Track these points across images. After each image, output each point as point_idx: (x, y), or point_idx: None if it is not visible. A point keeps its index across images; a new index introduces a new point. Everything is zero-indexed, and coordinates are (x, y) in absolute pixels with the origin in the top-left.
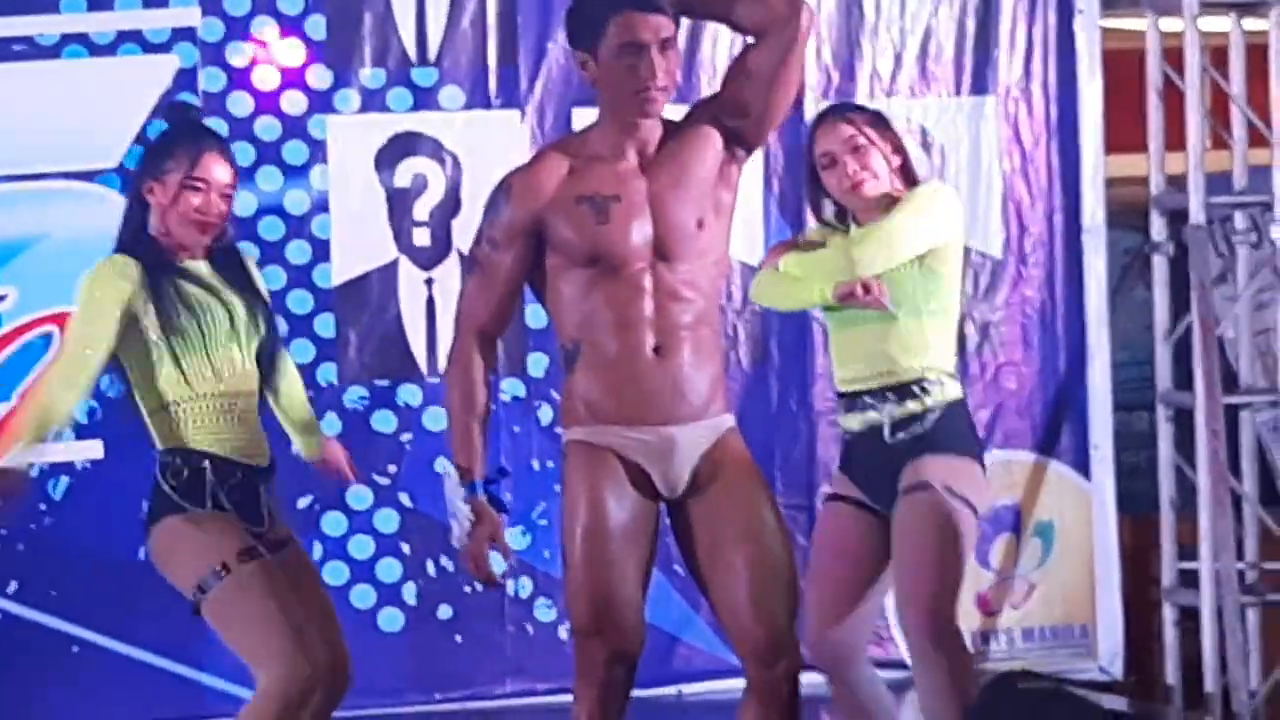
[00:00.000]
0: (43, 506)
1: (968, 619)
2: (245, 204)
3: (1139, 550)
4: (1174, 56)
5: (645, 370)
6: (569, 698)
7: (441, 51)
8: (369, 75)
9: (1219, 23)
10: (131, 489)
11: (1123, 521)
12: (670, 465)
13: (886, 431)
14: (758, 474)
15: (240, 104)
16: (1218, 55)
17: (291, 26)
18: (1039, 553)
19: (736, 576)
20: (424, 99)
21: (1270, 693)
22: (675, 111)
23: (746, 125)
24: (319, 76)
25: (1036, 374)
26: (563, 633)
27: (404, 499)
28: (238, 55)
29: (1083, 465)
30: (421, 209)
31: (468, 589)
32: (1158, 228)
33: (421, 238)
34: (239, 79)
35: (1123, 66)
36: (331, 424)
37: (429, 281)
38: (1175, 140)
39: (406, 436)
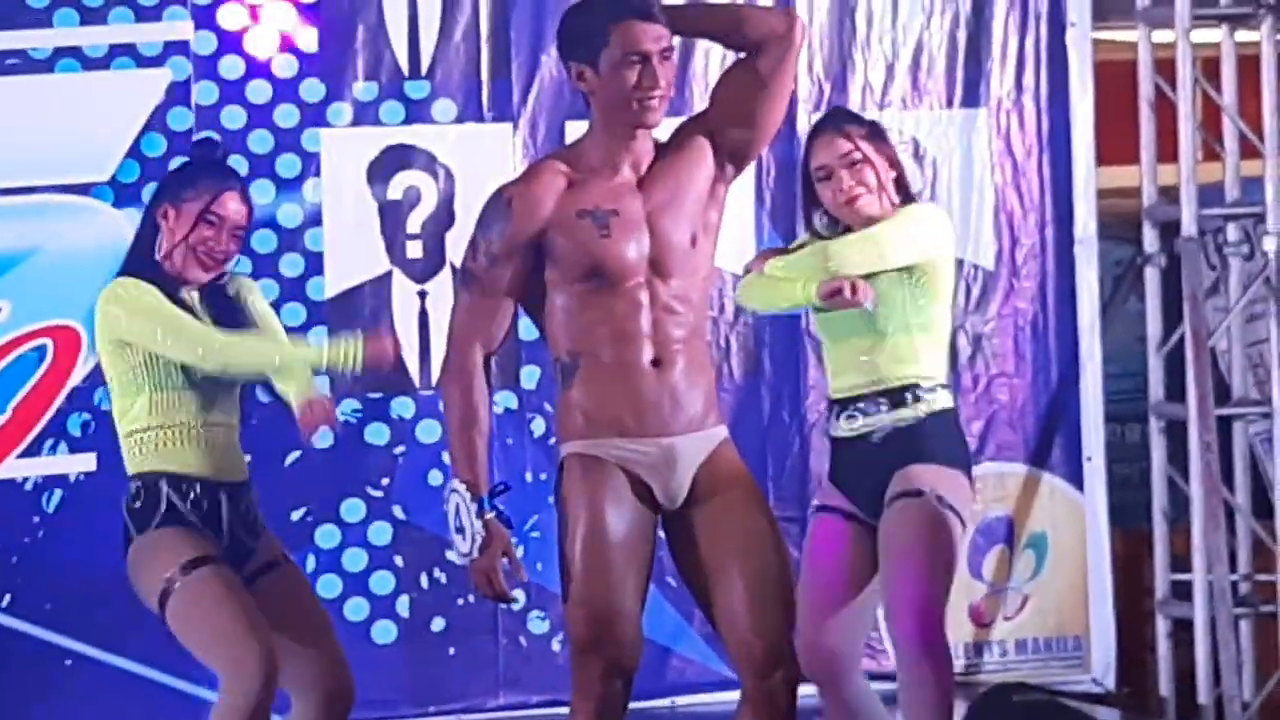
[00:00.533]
0: (36, 519)
1: (960, 631)
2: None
3: (1132, 562)
4: (1166, 68)
5: (644, 383)
6: (563, 710)
7: (434, 64)
8: (362, 88)
9: (1210, 34)
10: None
11: (1115, 533)
12: (671, 476)
13: (878, 436)
14: (754, 485)
15: (233, 117)
16: (1209, 67)
17: (284, 40)
18: (1032, 564)
19: (734, 587)
20: (417, 112)
21: (1264, 704)
22: (664, 127)
23: (739, 140)
24: (312, 90)
25: (1029, 386)
26: (556, 645)
27: (397, 511)
28: (230, 69)
29: (1075, 477)
30: (414, 222)
31: (461, 601)
32: (1150, 239)
33: (414, 250)
34: (232, 92)
35: (1115, 78)
36: (324, 437)
37: (422, 294)
38: (1167, 152)
39: (400, 449)
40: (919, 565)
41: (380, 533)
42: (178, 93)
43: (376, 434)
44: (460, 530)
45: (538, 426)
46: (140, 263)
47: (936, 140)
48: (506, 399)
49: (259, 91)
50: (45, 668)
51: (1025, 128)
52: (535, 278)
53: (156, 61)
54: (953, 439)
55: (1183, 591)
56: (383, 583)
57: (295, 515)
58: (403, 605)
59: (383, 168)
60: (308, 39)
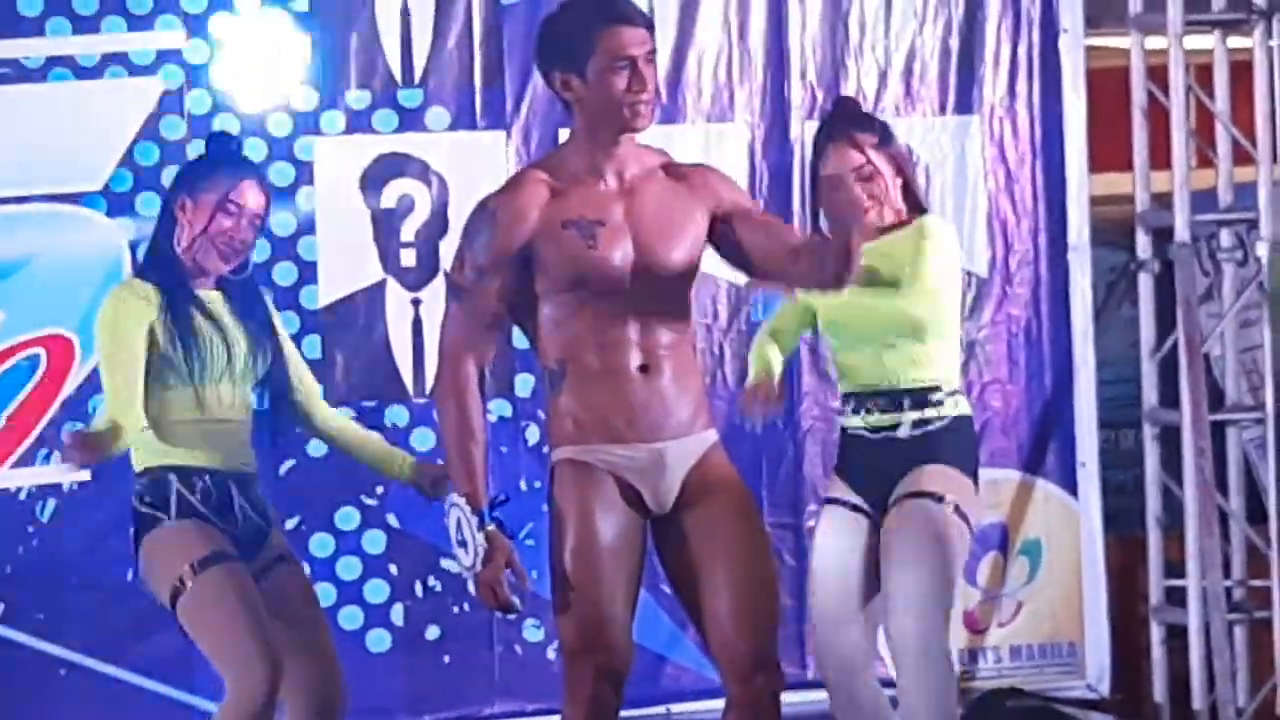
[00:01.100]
0: (30, 529)
1: (955, 637)
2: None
3: (1126, 568)
4: (1158, 75)
5: (633, 389)
6: (557, 718)
7: (427, 73)
8: (355, 96)
9: (1203, 41)
10: (119, 511)
11: (1110, 539)
12: (660, 481)
13: (902, 432)
14: (743, 489)
15: (226, 126)
16: (1202, 73)
17: (277, 48)
18: (1026, 571)
19: (719, 591)
20: (410, 120)
21: (1258, 710)
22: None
23: (727, 247)
24: (305, 98)
25: (1023, 392)
26: (551, 653)
27: (392, 520)
28: (223, 77)
29: (1069, 483)
30: (408, 230)
31: (455, 609)
32: (1143, 245)
33: (408, 259)
34: (224, 101)
35: (1107, 85)
36: (319, 445)
37: (416, 302)
38: (1160, 158)
39: None
40: (931, 568)
41: (374, 541)
42: (170, 101)
43: None
44: (462, 544)
45: (532, 435)
46: (159, 257)
47: (929, 147)
48: (500, 407)
49: (252, 100)
50: (40, 678)
51: (1018, 134)
52: (523, 287)
53: (149, 70)
54: (969, 446)
55: (1177, 597)
56: (377, 591)
57: (289, 524)
58: (397, 614)
59: (376, 176)
60: (301, 47)
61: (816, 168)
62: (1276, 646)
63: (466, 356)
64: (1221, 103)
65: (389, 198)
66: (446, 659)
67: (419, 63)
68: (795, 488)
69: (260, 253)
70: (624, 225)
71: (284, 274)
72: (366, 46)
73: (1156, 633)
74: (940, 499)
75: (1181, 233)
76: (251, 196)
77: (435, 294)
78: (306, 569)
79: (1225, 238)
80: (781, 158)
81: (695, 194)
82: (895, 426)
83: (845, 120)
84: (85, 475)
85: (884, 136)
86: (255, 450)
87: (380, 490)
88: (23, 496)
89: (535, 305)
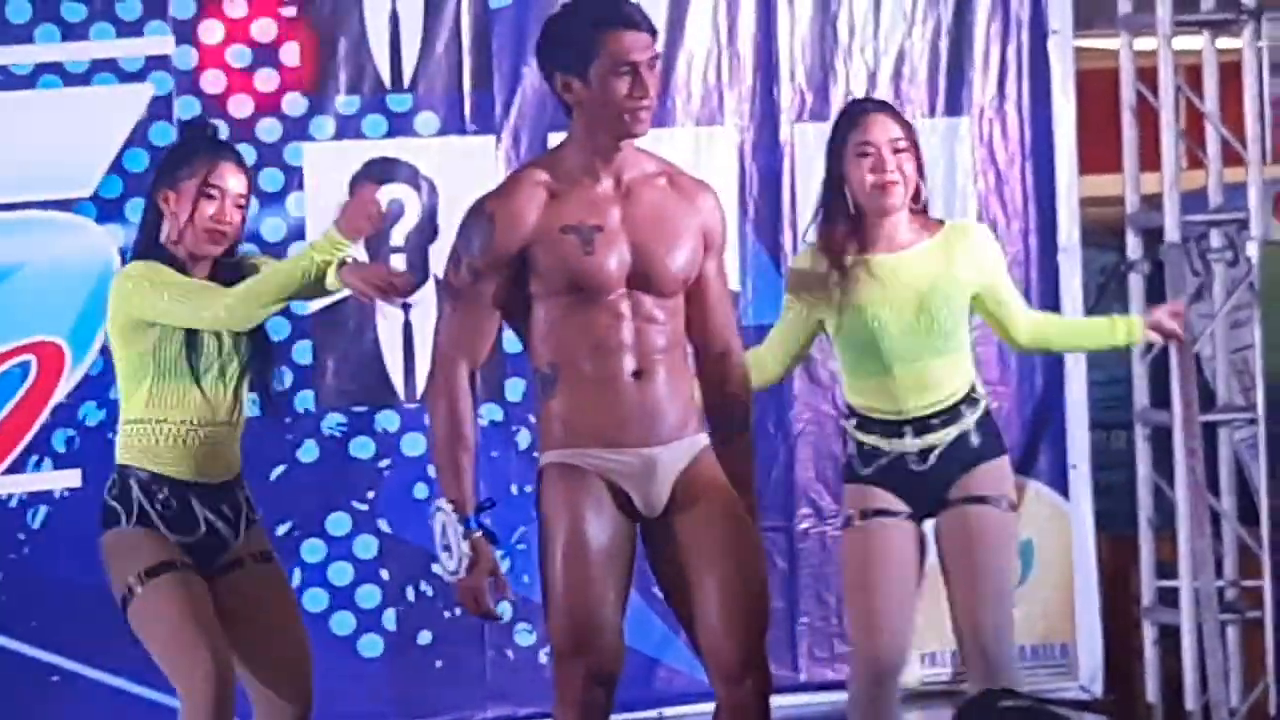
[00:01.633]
0: (21, 536)
1: (947, 638)
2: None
3: (1118, 569)
4: (1148, 76)
5: (626, 394)
6: None
7: (416, 77)
8: (344, 102)
9: (1192, 41)
10: None
11: (1101, 540)
12: (651, 486)
13: (935, 454)
14: (733, 493)
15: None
16: (1191, 74)
17: (266, 54)
18: (1018, 572)
19: (709, 593)
20: (399, 125)
21: (1251, 711)
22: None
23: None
24: (294, 103)
25: (1014, 394)
26: (543, 657)
27: (383, 525)
28: (212, 83)
29: (1061, 484)
30: (398, 235)
31: (447, 614)
32: (1133, 246)
33: (398, 264)
34: (214, 107)
35: (1097, 86)
36: (310, 450)
37: (406, 307)
38: (1150, 159)
39: (385, 463)
40: (999, 570)
41: (366, 546)
42: (160, 108)
43: (361, 447)
44: (446, 549)
45: (523, 439)
46: (148, 251)
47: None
48: (492, 411)
49: (241, 105)
50: (31, 684)
51: (1008, 136)
52: (517, 290)
53: (138, 77)
54: (996, 431)
55: (1169, 598)
56: (369, 596)
57: (281, 529)
58: (389, 619)
59: (366, 181)
60: (289, 53)
61: (844, 140)
62: (1269, 647)
63: (460, 359)
64: (1211, 103)
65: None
66: (438, 664)
67: (408, 68)
68: (787, 491)
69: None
70: (621, 230)
71: None
72: (355, 51)
73: (1149, 633)
74: (994, 500)
75: (1172, 233)
76: (231, 178)
77: (425, 299)
78: (298, 575)
79: (1215, 238)
80: (771, 161)
81: (696, 212)
82: (936, 447)
83: (879, 101)
84: (76, 482)
85: (912, 129)
86: (245, 458)
87: (371, 495)
88: (13, 504)
89: (530, 308)
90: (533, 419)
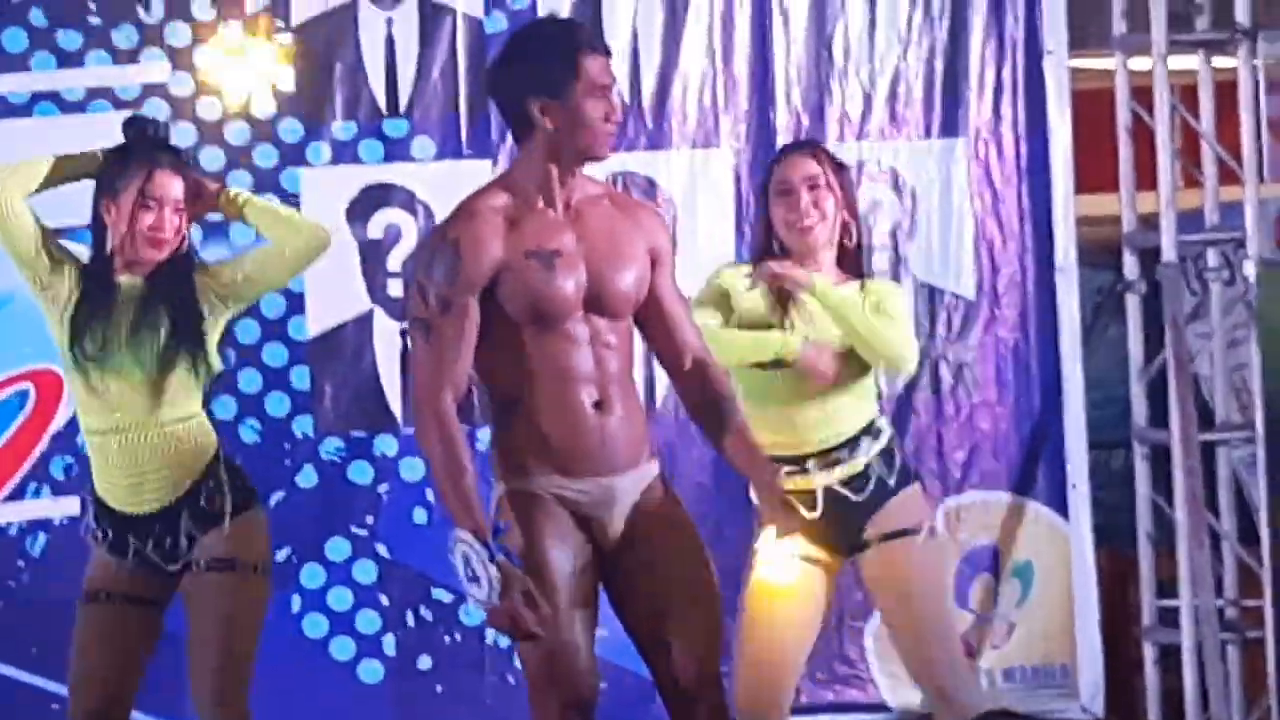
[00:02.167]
0: (21, 564)
1: None
2: (218, 257)
3: (1118, 588)
4: (1143, 95)
5: (587, 423)
6: None
7: (412, 102)
8: (340, 127)
9: (1187, 61)
10: None
11: (1101, 559)
12: (610, 514)
13: (877, 475)
14: (687, 518)
15: (212, 158)
16: (1187, 94)
17: (262, 80)
18: (1018, 593)
19: (663, 618)
20: (395, 150)
21: None
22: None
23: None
24: (290, 129)
25: (1011, 414)
26: None
27: (382, 550)
28: (208, 110)
29: (1060, 504)
30: (395, 260)
31: (447, 639)
32: (1130, 266)
33: (395, 289)
34: (210, 134)
35: (1092, 106)
36: (308, 476)
37: (404, 332)
38: (1146, 179)
39: (384, 487)
40: (936, 599)
41: (365, 571)
42: None
43: (360, 473)
44: (474, 579)
45: None
46: (93, 261)
47: (915, 170)
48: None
49: (238, 132)
50: (31, 713)
51: (1004, 156)
52: (480, 318)
53: (135, 104)
54: (904, 462)
55: (1170, 618)
56: (369, 621)
57: (280, 555)
58: (389, 644)
59: (363, 206)
60: (285, 79)
61: (768, 180)
62: (1270, 666)
63: (444, 393)
64: (1207, 123)
65: (376, 228)
66: (439, 689)
67: (404, 93)
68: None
69: None
70: (577, 253)
71: (272, 305)
72: (351, 77)
73: (1150, 653)
74: (915, 531)
75: (1168, 253)
76: (167, 185)
77: None
78: (298, 600)
79: (1212, 257)
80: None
81: (641, 230)
82: (844, 482)
83: (810, 143)
84: (75, 509)
85: (842, 168)
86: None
87: (370, 520)
88: (13, 532)
89: (490, 337)
90: None
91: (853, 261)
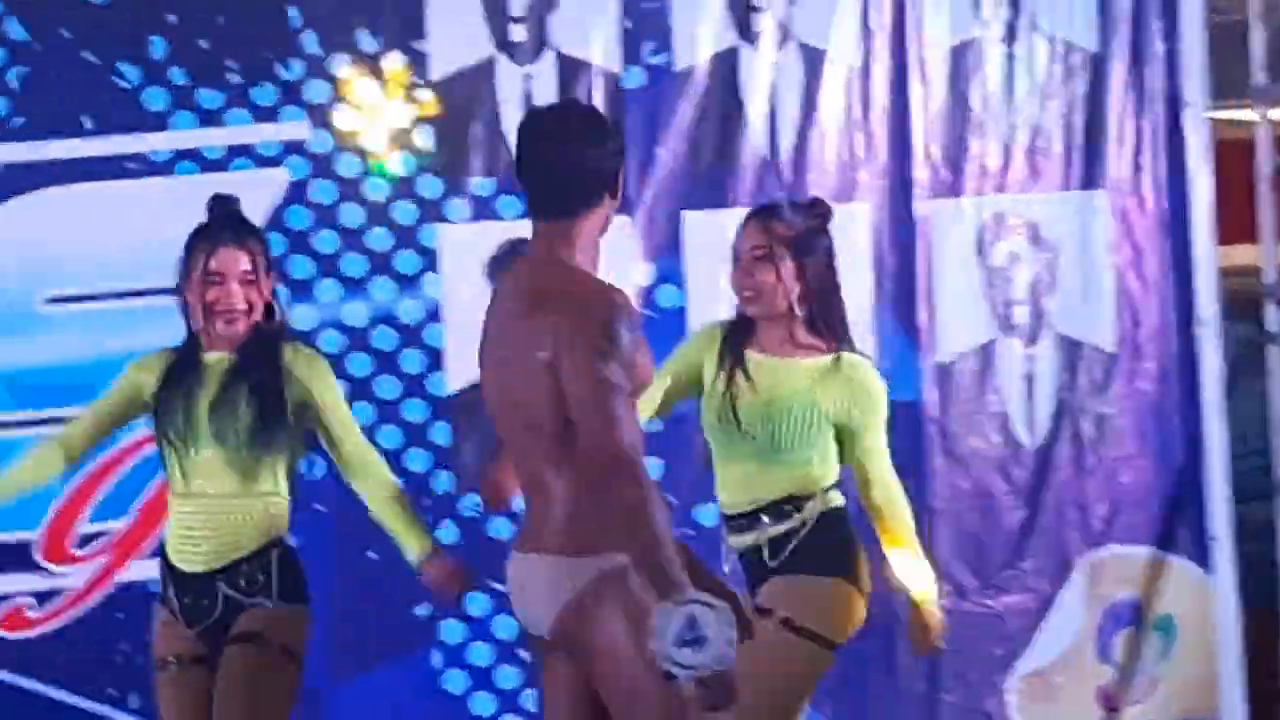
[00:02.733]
0: None
1: (1090, 716)
2: (357, 314)
3: (1262, 642)
4: None
5: None
6: None
7: None
8: (479, 184)
9: None
10: None
11: (1244, 614)
12: None
13: (766, 553)
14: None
15: (352, 215)
16: None
17: (401, 137)
18: (1160, 647)
19: None
20: None
21: None
22: None
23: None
24: (429, 186)
25: (1153, 467)
26: None
27: None
28: (348, 167)
29: (1202, 557)
30: None
31: None
32: (1272, 318)
33: None
34: (349, 190)
35: (1232, 157)
36: (449, 532)
37: None
38: None
39: None
40: (755, 688)
41: (506, 626)
42: (296, 192)
43: (500, 528)
44: (697, 642)
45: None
46: (184, 341)
47: (1054, 222)
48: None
49: (377, 189)
50: None
51: (1144, 208)
52: None
53: (274, 161)
54: (831, 543)
55: None
56: (509, 677)
57: (420, 610)
58: (528, 700)
59: (502, 262)
60: (424, 135)
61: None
62: None
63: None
64: None
65: None
66: None
67: None
68: None
69: (387, 341)
70: None
71: (411, 362)
72: (490, 133)
73: None
74: (769, 613)
75: None
76: (230, 261)
77: None
78: (438, 656)
79: None
80: (904, 238)
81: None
82: (761, 548)
83: (773, 207)
84: None
85: (812, 239)
86: (381, 535)
87: None
88: (154, 589)
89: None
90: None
91: (829, 329)
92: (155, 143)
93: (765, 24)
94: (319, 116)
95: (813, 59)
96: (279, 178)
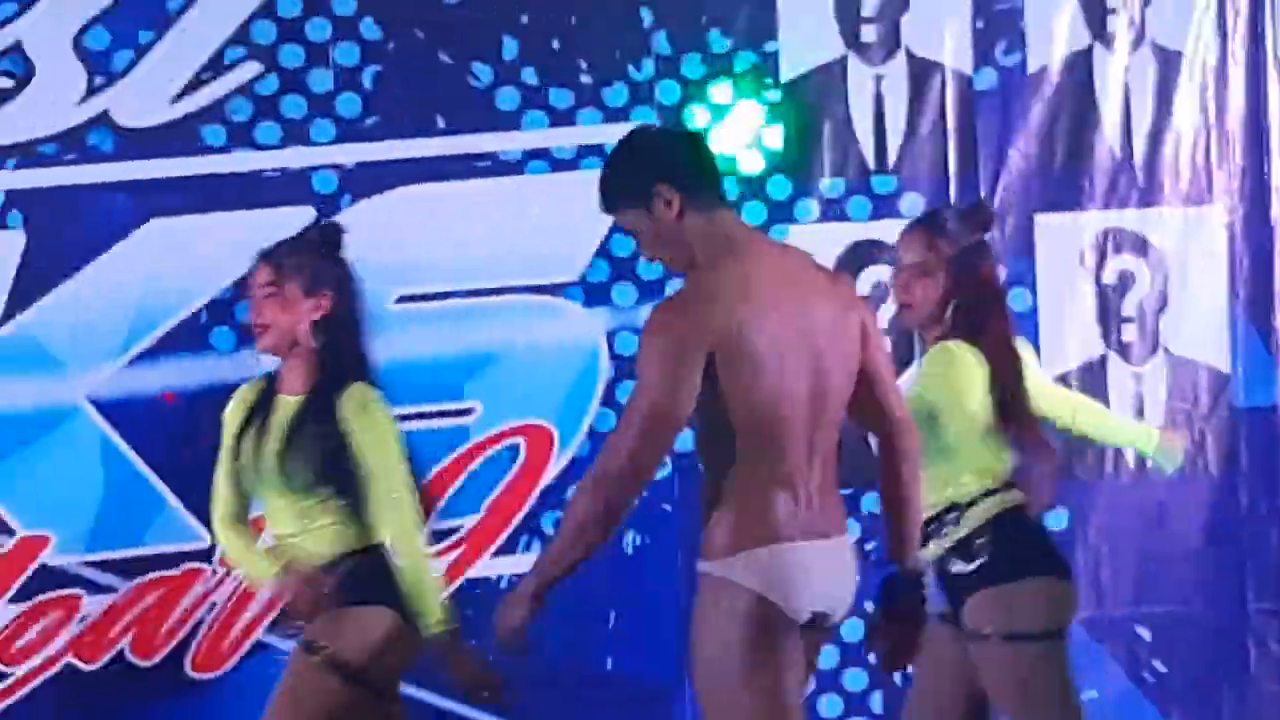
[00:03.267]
0: None
1: None
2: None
3: None
4: None
5: None
6: None
7: (901, 159)
8: (829, 185)
9: None
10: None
11: None
12: None
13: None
14: None
15: None
16: None
17: (751, 137)
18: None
19: None
20: (884, 207)
21: None
22: None
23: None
24: (779, 186)
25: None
26: None
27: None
28: None
29: None
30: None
31: None
32: None
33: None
34: None
35: None
36: None
37: None
38: None
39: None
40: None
41: (853, 628)
42: None
43: None
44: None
45: None
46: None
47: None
48: None
49: (727, 189)
50: None
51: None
52: None
53: None
54: (1020, 544)
55: None
56: (856, 680)
57: None
58: (876, 702)
59: (850, 263)
60: (774, 136)
61: None
62: None
63: None
64: None
65: (863, 285)
66: None
67: (892, 149)
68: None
69: None
70: None
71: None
72: (840, 134)
73: None
74: (987, 637)
75: None
76: (258, 273)
77: None
78: None
79: None
80: (1262, 240)
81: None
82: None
83: (942, 219)
84: None
85: (966, 259)
86: None
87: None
88: (503, 585)
89: None
90: None
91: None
92: (506, 142)
93: (1119, 25)
94: (670, 117)
95: (1167, 60)
96: None
